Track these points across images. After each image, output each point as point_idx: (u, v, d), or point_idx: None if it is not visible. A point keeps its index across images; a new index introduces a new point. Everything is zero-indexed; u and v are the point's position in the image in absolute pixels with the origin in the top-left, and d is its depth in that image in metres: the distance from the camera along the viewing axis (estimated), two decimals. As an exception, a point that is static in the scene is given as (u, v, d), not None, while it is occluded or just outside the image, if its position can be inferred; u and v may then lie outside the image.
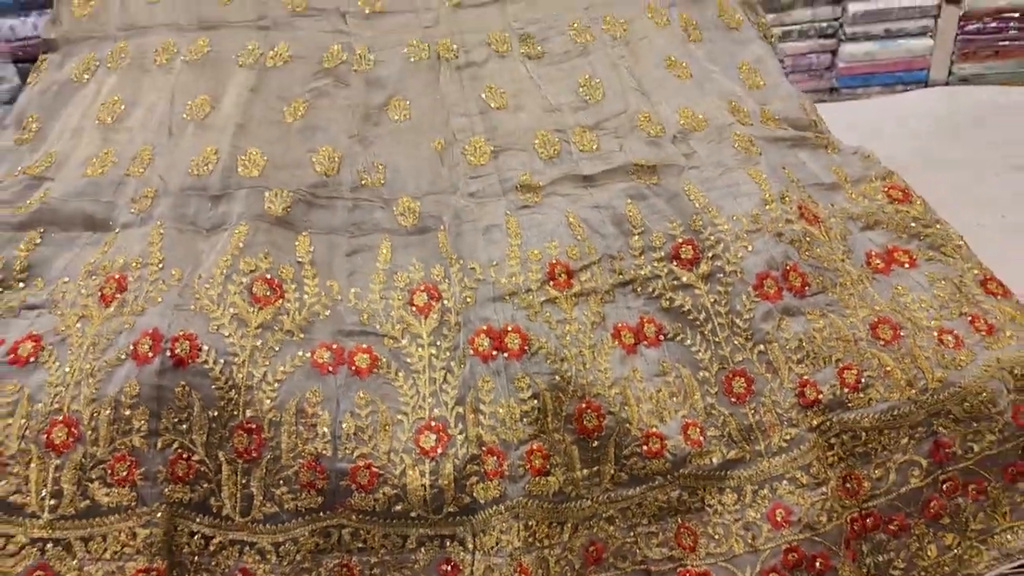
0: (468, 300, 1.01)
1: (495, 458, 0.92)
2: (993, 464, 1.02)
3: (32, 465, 0.91)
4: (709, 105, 1.22)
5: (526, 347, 0.97)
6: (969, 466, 1.02)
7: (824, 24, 2.87)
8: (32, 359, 0.96)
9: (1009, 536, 1.02)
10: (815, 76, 2.97)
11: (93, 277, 1.03)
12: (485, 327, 0.98)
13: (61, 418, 0.92)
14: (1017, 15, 2.84)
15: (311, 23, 1.29)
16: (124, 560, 0.89)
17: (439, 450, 0.93)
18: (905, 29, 2.84)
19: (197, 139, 1.13)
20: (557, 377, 0.96)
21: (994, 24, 2.83)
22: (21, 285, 1.04)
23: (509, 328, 0.98)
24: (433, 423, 0.94)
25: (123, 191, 1.11)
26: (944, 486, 1.01)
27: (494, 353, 0.96)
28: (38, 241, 1.07)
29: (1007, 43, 2.88)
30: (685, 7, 1.37)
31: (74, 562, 0.90)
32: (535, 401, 0.94)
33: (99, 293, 1.00)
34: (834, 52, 2.90)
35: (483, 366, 0.95)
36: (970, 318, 1.07)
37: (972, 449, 1.01)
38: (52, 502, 0.90)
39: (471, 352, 0.96)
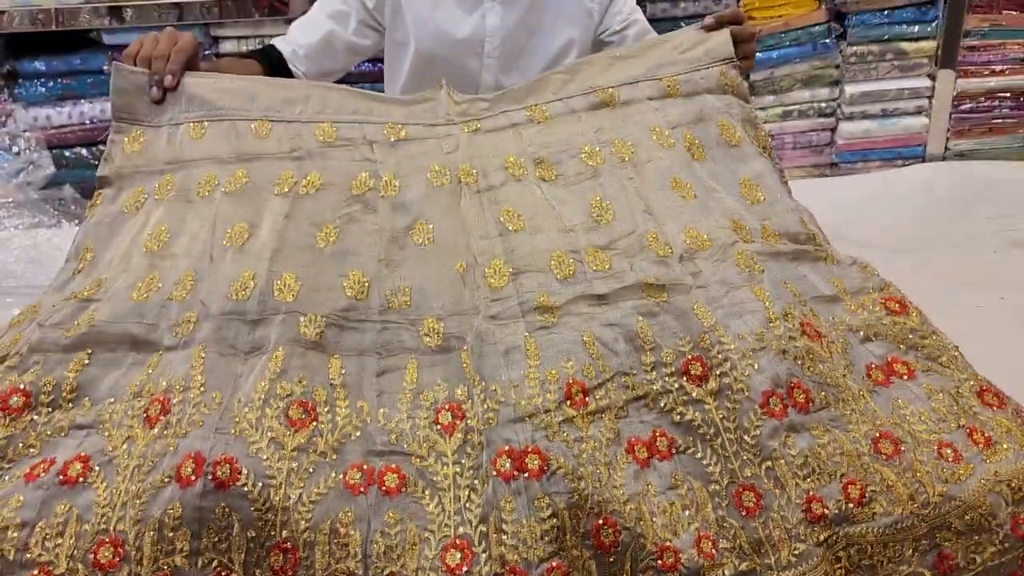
0: (490, 421, 1.06)
1: None
2: (995, 573, 1.06)
3: None
4: (712, 224, 1.28)
5: (545, 467, 1.02)
6: None
7: (823, 104, 2.98)
8: (81, 480, 1.01)
9: None
10: (816, 152, 3.07)
11: (138, 399, 1.08)
12: (507, 448, 1.03)
13: (108, 538, 0.97)
14: (1008, 95, 2.94)
15: (341, 152, 1.36)
16: None
17: (464, 568, 0.97)
18: (901, 108, 2.95)
19: (236, 264, 1.19)
20: (575, 496, 1.01)
21: (987, 103, 2.94)
22: (70, 405, 1.09)
23: (529, 449, 1.03)
24: (458, 540, 0.99)
25: (166, 314, 1.17)
26: None
27: (515, 474, 1.01)
28: (86, 362, 1.12)
29: (1000, 120, 2.99)
30: (689, 127, 1.43)
31: None
32: (554, 520, 0.99)
33: (144, 415, 1.06)
34: (833, 130, 3.00)
35: (505, 486, 1.00)
36: (968, 431, 1.12)
37: (975, 560, 1.05)
38: None
39: (494, 473, 1.01)
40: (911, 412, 1.14)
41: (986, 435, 1.11)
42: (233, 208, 1.26)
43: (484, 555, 0.98)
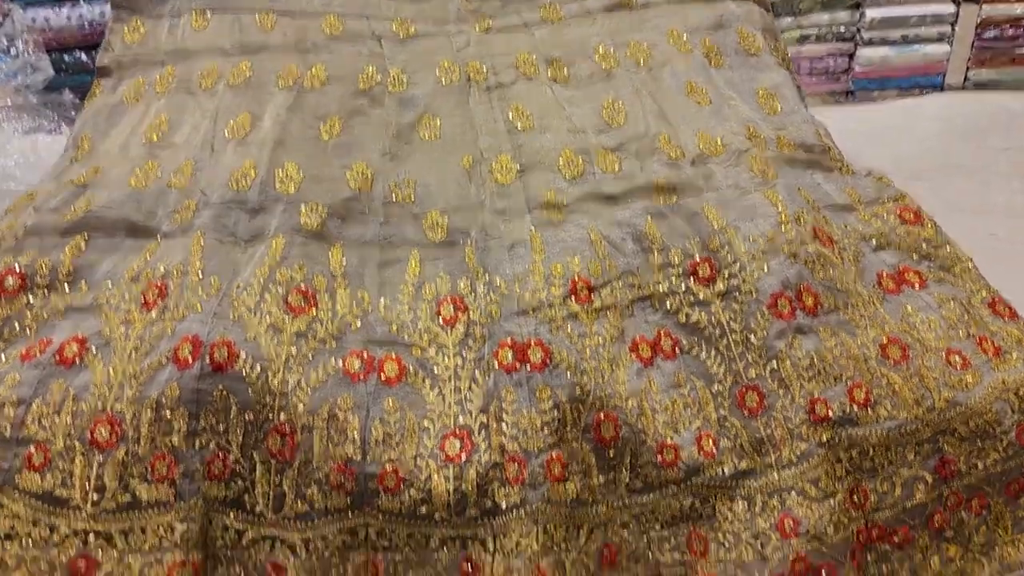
0: (493, 314, 1.04)
1: (516, 465, 0.95)
2: (996, 480, 1.06)
3: (77, 461, 0.95)
4: (727, 130, 1.26)
5: (548, 360, 1.00)
6: (973, 482, 1.05)
7: (842, 28, 2.89)
8: (77, 360, 1.00)
9: (1010, 549, 1.06)
10: (832, 79, 2.99)
11: (136, 283, 1.07)
12: (509, 340, 1.01)
13: (105, 417, 0.96)
14: (1034, 23, 2.84)
15: (347, 47, 1.33)
16: (162, 552, 0.93)
17: (463, 457, 0.97)
18: (922, 35, 2.85)
19: (237, 155, 1.18)
20: (577, 389, 0.99)
21: (1012, 31, 2.84)
22: (67, 288, 1.08)
23: (532, 342, 1.01)
24: (458, 430, 0.98)
25: (165, 201, 1.15)
26: (948, 501, 1.05)
27: (517, 366, 1.00)
28: (83, 247, 1.11)
29: (1023, 50, 2.89)
30: (708, 33, 1.41)
31: (115, 553, 0.94)
32: (555, 412, 0.98)
33: (142, 299, 1.04)
34: (851, 56, 2.92)
35: (506, 378, 0.99)
36: (977, 340, 1.10)
37: (976, 466, 1.05)
38: (95, 496, 0.94)
39: (496, 365, 1.00)
40: (920, 320, 1.12)
41: (996, 344, 1.09)
42: (236, 100, 1.24)
43: (484, 444, 0.97)
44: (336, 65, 1.31)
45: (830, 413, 1.02)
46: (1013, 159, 2.63)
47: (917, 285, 1.16)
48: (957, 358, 1.08)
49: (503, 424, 0.97)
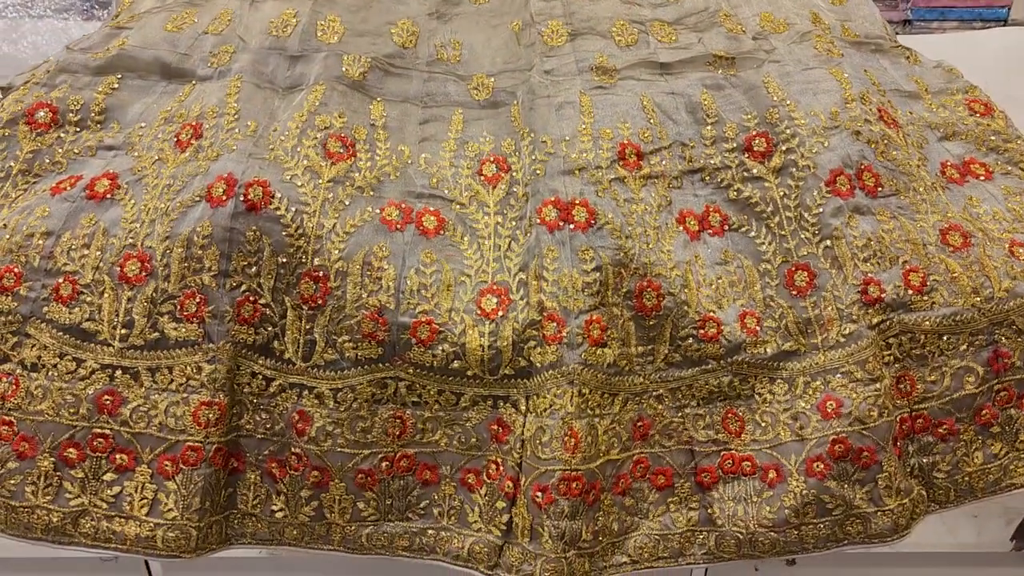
0: (538, 172, 1.01)
1: (555, 324, 0.93)
2: None
3: (105, 295, 0.94)
4: (790, 12, 1.20)
5: (592, 220, 0.97)
6: None
7: (905, -49, 2.77)
8: (108, 196, 0.98)
9: None
10: (890, 6, 2.87)
11: (170, 124, 1.04)
12: (553, 198, 0.98)
13: (135, 253, 0.94)
14: (1112, -45, 2.71)
15: None
16: (188, 392, 0.93)
17: (500, 313, 0.94)
18: (991, -38, 2.73)
19: (277, 5, 1.14)
20: (620, 253, 0.96)
21: None
22: (99, 127, 1.06)
23: (577, 201, 0.98)
24: (496, 286, 0.96)
25: (200, 45, 1.12)
26: (998, 396, 1.01)
27: (561, 224, 0.96)
28: (115, 86, 1.08)
29: None
30: None
31: (141, 390, 0.93)
32: (597, 274, 0.95)
33: (175, 139, 1.02)
34: (913, -18, 2.80)
35: (549, 236, 0.96)
36: None
37: (1031, 362, 1.01)
38: (123, 331, 0.93)
39: (538, 221, 0.97)
40: (985, 211, 1.07)
41: (1063, 239, 1.05)
42: None
43: (522, 302, 0.95)
44: None
45: (883, 295, 0.98)
46: None
47: (983, 177, 1.11)
48: (1021, 250, 1.03)
49: (543, 282, 0.94)
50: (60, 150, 1.04)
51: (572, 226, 0.96)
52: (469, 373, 0.94)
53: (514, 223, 1.00)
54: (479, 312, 0.94)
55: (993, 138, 1.14)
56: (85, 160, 1.04)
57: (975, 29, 2.86)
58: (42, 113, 1.05)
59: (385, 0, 1.19)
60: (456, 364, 0.94)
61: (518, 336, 0.93)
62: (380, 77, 1.10)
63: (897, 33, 2.87)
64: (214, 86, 1.07)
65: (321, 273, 0.94)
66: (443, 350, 0.94)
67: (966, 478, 1.02)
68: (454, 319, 0.94)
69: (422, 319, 0.94)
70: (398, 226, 0.97)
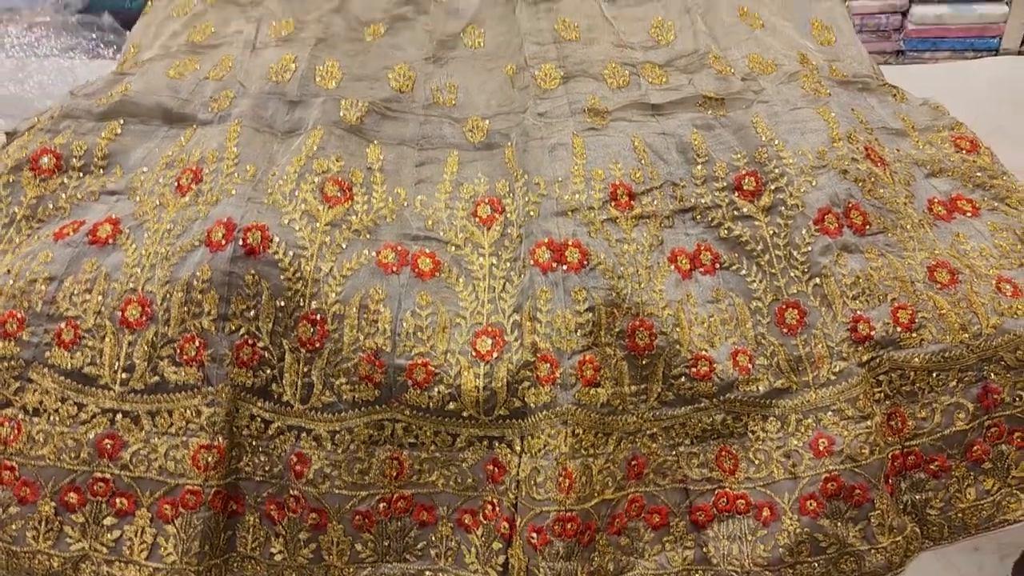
0: (531, 213, 1.03)
1: (548, 365, 0.94)
2: None
3: (106, 339, 0.95)
4: (778, 53, 1.23)
5: (585, 261, 0.98)
6: (1016, 414, 1.02)
7: (896, -16, 2.81)
8: (111, 241, 1.00)
9: None
10: (883, 37, 2.92)
11: (171, 168, 1.06)
12: (546, 240, 1.00)
13: (136, 297, 0.96)
14: (1100, -14, 2.75)
15: None
16: (188, 435, 0.94)
17: (494, 354, 0.96)
18: (980, -7, 2.77)
19: (277, 51, 1.18)
20: (613, 293, 0.98)
21: None
22: (101, 172, 1.08)
23: (569, 242, 0.99)
24: (490, 328, 0.97)
25: (201, 91, 1.15)
26: (989, 432, 1.02)
27: (554, 265, 0.98)
28: (118, 131, 1.11)
29: None
30: None
31: (141, 434, 0.95)
32: (590, 314, 0.96)
33: (176, 183, 1.04)
34: (904, 13, 2.84)
35: (542, 277, 0.98)
36: None
37: (1021, 397, 1.02)
38: (124, 375, 0.95)
39: (531, 262, 0.99)
40: (972, 248, 1.09)
41: (1050, 275, 1.06)
42: (280, 9, 1.25)
43: (516, 343, 0.96)
44: None
45: (872, 333, 0.99)
46: None
47: (970, 213, 1.13)
48: (1008, 286, 1.04)
49: (537, 323, 0.96)
50: (63, 195, 1.06)
51: (565, 267, 0.98)
52: (465, 414, 0.95)
53: (508, 264, 1.01)
54: (474, 354, 0.96)
55: (979, 174, 1.16)
56: (88, 205, 1.06)
57: (967, 59, 2.91)
58: (46, 159, 1.07)
59: (382, 46, 1.22)
60: (452, 405, 0.95)
61: (512, 377, 0.95)
62: (377, 121, 1.13)
63: (890, 63, 2.91)
64: (214, 130, 1.09)
65: (318, 316, 0.95)
66: (439, 392, 0.95)
67: (959, 514, 1.02)
68: (450, 361, 0.96)
69: (418, 361, 0.95)
70: (394, 269, 0.99)
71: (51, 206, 1.05)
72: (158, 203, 1.03)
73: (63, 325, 0.96)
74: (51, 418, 0.94)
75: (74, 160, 1.08)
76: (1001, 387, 1.01)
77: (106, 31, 2.60)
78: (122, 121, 1.12)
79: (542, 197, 1.03)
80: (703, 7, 1.30)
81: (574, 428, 0.93)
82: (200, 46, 1.23)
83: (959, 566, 1.11)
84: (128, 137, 1.11)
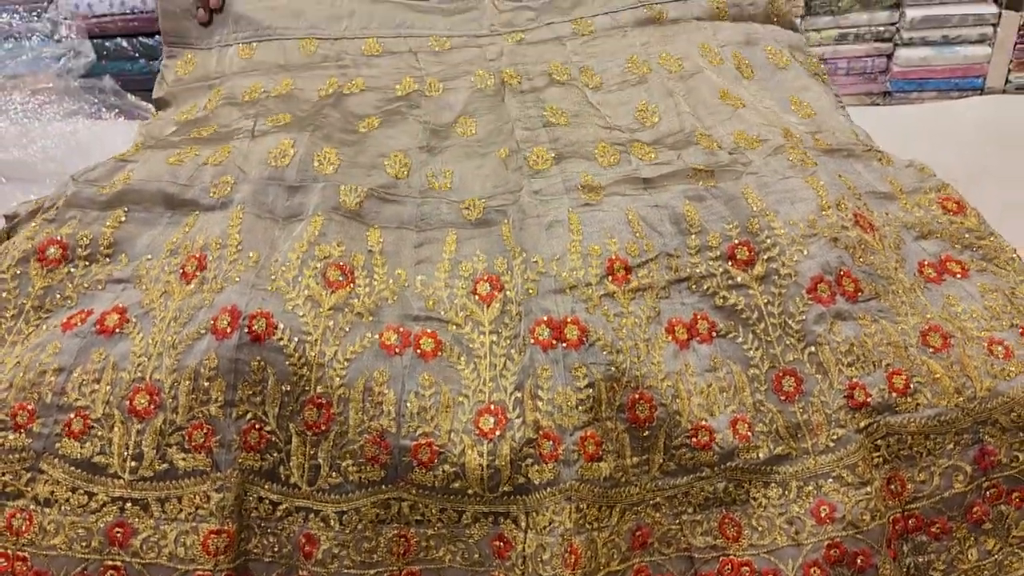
0: (530, 291, 1.05)
1: (551, 442, 0.96)
2: None
3: (115, 429, 0.97)
4: (762, 129, 1.26)
5: (584, 338, 1.00)
6: (1014, 474, 1.03)
7: (881, 28, 2.86)
8: (118, 330, 1.02)
9: None
10: (869, 79, 2.97)
11: (175, 256, 1.09)
12: (546, 318, 1.02)
13: (144, 386, 0.97)
14: (1080, 25, 2.80)
15: (386, 62, 1.41)
16: (198, 521, 0.95)
17: (497, 432, 0.97)
18: (963, 36, 2.82)
19: (275, 137, 1.21)
20: (612, 368, 0.99)
21: None
22: (107, 260, 1.10)
23: (568, 320, 1.01)
24: (492, 406, 0.99)
25: (200, 176, 1.17)
26: (988, 493, 1.03)
27: (554, 343, 1.00)
28: (123, 219, 1.13)
29: None
30: (738, 47, 1.45)
31: (151, 521, 0.96)
32: (591, 390, 0.98)
33: (180, 271, 1.06)
34: (889, 56, 2.89)
35: (543, 355, 0.99)
36: (1021, 330, 1.08)
37: (1018, 458, 1.03)
38: (133, 464, 0.96)
39: (532, 341, 1.00)
40: (963, 310, 1.11)
41: (1040, 335, 1.08)
42: (276, 105, 1.29)
43: (518, 421, 0.98)
44: (375, 79, 1.38)
45: (869, 399, 1.01)
46: None
47: (959, 275, 1.15)
48: (1000, 348, 1.06)
49: (538, 401, 0.97)
50: (71, 284, 1.08)
51: (565, 344, 1.00)
52: (470, 491, 0.96)
53: (509, 341, 1.03)
54: (477, 432, 0.97)
55: (967, 235, 1.19)
56: (95, 294, 1.08)
57: (952, 98, 2.95)
58: (52, 250, 1.09)
59: (377, 136, 1.25)
60: (457, 484, 0.96)
61: (516, 455, 0.96)
62: (377, 204, 1.15)
63: (877, 104, 2.95)
64: (216, 217, 1.11)
65: (324, 400, 0.97)
66: (444, 470, 0.96)
67: (963, 575, 1.03)
68: (453, 440, 0.97)
69: (422, 441, 0.96)
70: (397, 350, 1.01)
71: (59, 296, 1.07)
72: (164, 291, 1.05)
73: (72, 416, 0.97)
74: (62, 508, 0.96)
75: (80, 250, 1.10)
76: (997, 448, 1.03)
77: (108, 94, 2.65)
78: (126, 209, 1.14)
79: (540, 275, 1.05)
80: (684, 90, 1.35)
81: (578, 503, 0.94)
82: (199, 139, 1.26)
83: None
84: (132, 225, 1.13)
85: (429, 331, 1.03)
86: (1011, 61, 2.85)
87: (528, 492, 0.96)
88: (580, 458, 0.96)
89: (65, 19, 2.52)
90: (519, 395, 0.99)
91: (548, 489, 0.95)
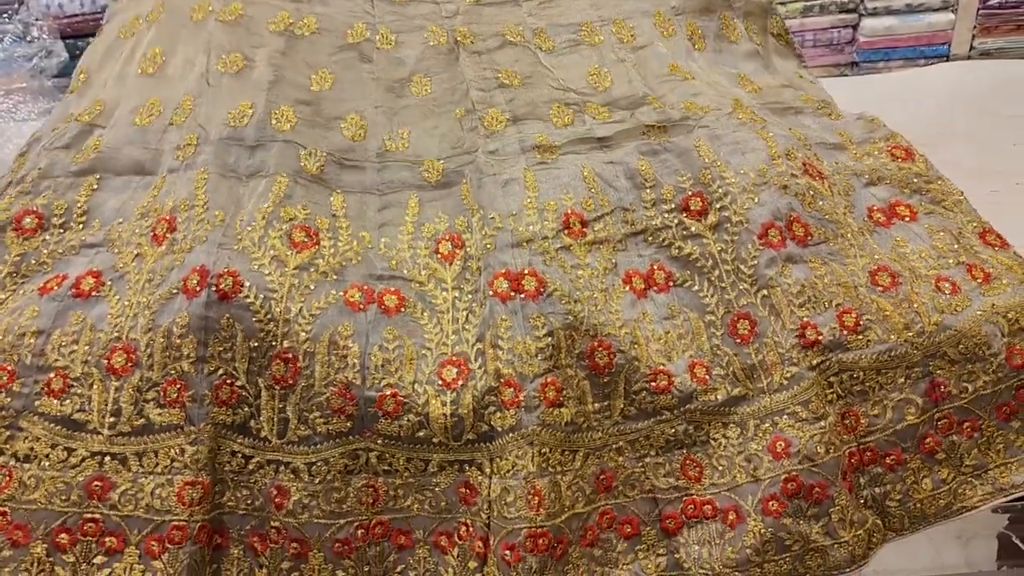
0: (488, 247, 1.06)
1: (512, 389, 0.97)
2: (987, 403, 1.05)
3: (94, 387, 0.98)
4: (711, 100, 1.26)
5: (542, 289, 1.02)
6: (964, 405, 1.05)
7: (846, -1, 2.89)
8: (94, 293, 1.03)
9: (1002, 471, 1.05)
10: (836, 51, 2.99)
11: (146, 219, 1.09)
12: (504, 271, 1.03)
13: (121, 345, 0.98)
14: (1041, -11, 2.83)
15: (339, 2, 1.37)
16: (173, 474, 0.96)
17: (460, 382, 0.99)
18: (926, 3, 2.84)
19: (232, 93, 1.20)
20: (570, 317, 1.01)
21: None
22: (81, 227, 1.11)
23: (526, 272, 1.03)
24: (455, 358, 1.00)
25: (168, 138, 1.18)
26: (939, 424, 1.05)
27: (512, 294, 1.01)
28: (95, 187, 1.14)
29: None
30: (692, 17, 1.43)
31: (129, 474, 0.97)
32: (550, 339, 0.99)
33: (152, 233, 1.07)
34: (855, 27, 2.91)
35: (501, 306, 1.01)
36: (967, 267, 1.10)
37: (967, 389, 1.05)
38: (111, 420, 0.97)
39: (491, 293, 1.02)
40: (911, 250, 1.13)
41: (986, 271, 1.09)
42: (227, 38, 1.26)
43: (480, 371, 0.99)
44: (327, 18, 1.34)
45: (820, 338, 1.03)
46: (1018, 125, 2.60)
47: (908, 218, 1.16)
48: (947, 284, 1.08)
49: (498, 350, 0.99)
50: (45, 251, 1.09)
51: (523, 296, 1.01)
52: (435, 440, 0.98)
53: (470, 296, 1.04)
54: (440, 383, 0.99)
55: (915, 180, 1.21)
56: (69, 259, 1.08)
57: (919, 66, 2.98)
58: (28, 220, 1.10)
59: (331, 98, 1.25)
60: (422, 433, 0.98)
61: (478, 403, 0.97)
62: (336, 170, 1.16)
63: (845, 75, 2.98)
64: (183, 178, 1.12)
65: (291, 355, 0.99)
66: (408, 420, 0.98)
67: (918, 505, 1.05)
68: (417, 391, 0.98)
69: (387, 392, 0.98)
70: (361, 307, 1.02)
71: (34, 262, 1.08)
72: (136, 253, 1.06)
73: (52, 375, 0.98)
74: (42, 463, 0.96)
75: (55, 218, 1.11)
76: (947, 380, 1.05)
77: (83, 91, 2.65)
78: (98, 176, 1.15)
79: (498, 230, 1.06)
80: (634, 60, 1.35)
81: (540, 448, 0.96)
82: (153, 77, 1.25)
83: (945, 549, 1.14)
84: (104, 191, 1.14)
85: (392, 289, 1.04)
86: (975, 26, 2.88)
87: (491, 439, 0.97)
88: (541, 404, 0.97)
89: (37, 20, 2.52)
90: (480, 346, 1.00)
91: (511, 435, 0.96)
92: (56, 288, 1.04)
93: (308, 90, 1.24)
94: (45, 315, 1.01)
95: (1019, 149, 2.47)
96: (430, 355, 1.01)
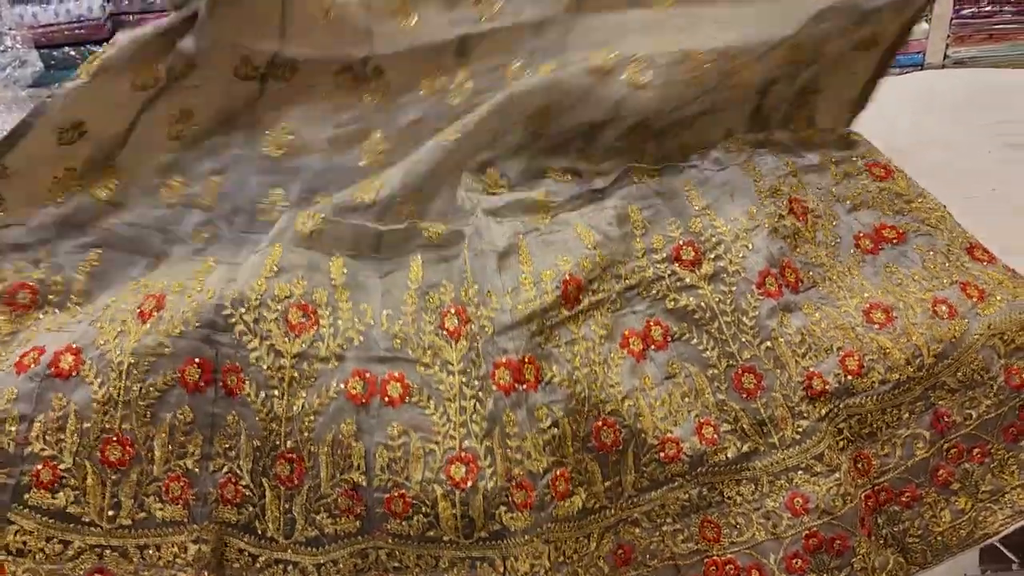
0: (487, 329, 1.00)
1: (523, 491, 0.93)
2: (993, 427, 1.04)
3: (88, 480, 0.92)
4: None
5: (541, 376, 0.97)
6: (970, 431, 1.04)
7: (817, 5, 2.86)
8: (74, 374, 0.94)
9: (1019, 492, 1.05)
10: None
11: (135, 294, 1.01)
12: (504, 359, 0.97)
13: (115, 437, 0.92)
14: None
15: None
16: (176, 570, 0.92)
17: (469, 482, 0.93)
18: (899, 13, 2.84)
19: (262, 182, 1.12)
20: (573, 401, 0.96)
21: (988, 8, 2.81)
22: (78, 309, 1.03)
23: (525, 359, 0.97)
24: (463, 454, 0.95)
25: (187, 220, 1.09)
26: (949, 453, 1.04)
27: (515, 385, 0.96)
28: (96, 263, 1.05)
29: (1001, 26, 2.86)
30: None
31: (131, 566, 0.92)
32: (555, 429, 0.95)
33: (138, 310, 0.98)
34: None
35: (505, 400, 0.96)
36: (961, 285, 1.08)
37: (970, 416, 1.04)
38: (111, 513, 0.92)
39: (494, 387, 0.97)
40: (904, 275, 1.11)
41: (980, 288, 1.08)
42: None
43: (490, 470, 0.94)
44: None
45: (827, 387, 1.00)
46: (993, 132, 2.63)
47: (895, 240, 1.14)
48: (944, 307, 1.06)
49: (508, 449, 0.94)
50: (35, 329, 1.00)
51: (524, 386, 0.96)
52: (445, 539, 0.94)
53: (477, 382, 0.98)
54: (449, 482, 0.94)
55: (897, 201, 1.18)
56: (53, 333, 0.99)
57: (893, 75, 2.98)
58: (23, 295, 1.02)
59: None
60: (432, 532, 0.93)
61: (489, 504, 0.93)
62: (335, 228, 1.06)
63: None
64: (186, 263, 1.05)
65: (295, 455, 0.94)
66: (418, 520, 0.93)
67: (939, 537, 1.04)
68: (426, 490, 0.93)
69: (395, 493, 0.93)
70: (363, 400, 0.96)
71: (21, 337, 0.99)
72: (120, 330, 0.97)
73: (40, 466, 0.91)
74: (37, 557, 0.91)
75: (52, 296, 1.03)
76: (949, 410, 1.03)
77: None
78: (100, 251, 1.06)
79: (495, 311, 1.01)
80: None
81: (556, 543, 0.93)
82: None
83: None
84: (107, 267, 1.05)
85: (396, 374, 0.98)
86: (948, 36, 2.87)
87: (504, 537, 0.93)
88: (553, 499, 0.93)
89: (10, 29, 2.43)
90: (489, 443, 0.95)
91: (525, 536, 0.92)
92: (33, 365, 0.94)
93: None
94: (23, 399, 0.92)
95: (993, 156, 2.50)
96: (438, 450, 0.96)
